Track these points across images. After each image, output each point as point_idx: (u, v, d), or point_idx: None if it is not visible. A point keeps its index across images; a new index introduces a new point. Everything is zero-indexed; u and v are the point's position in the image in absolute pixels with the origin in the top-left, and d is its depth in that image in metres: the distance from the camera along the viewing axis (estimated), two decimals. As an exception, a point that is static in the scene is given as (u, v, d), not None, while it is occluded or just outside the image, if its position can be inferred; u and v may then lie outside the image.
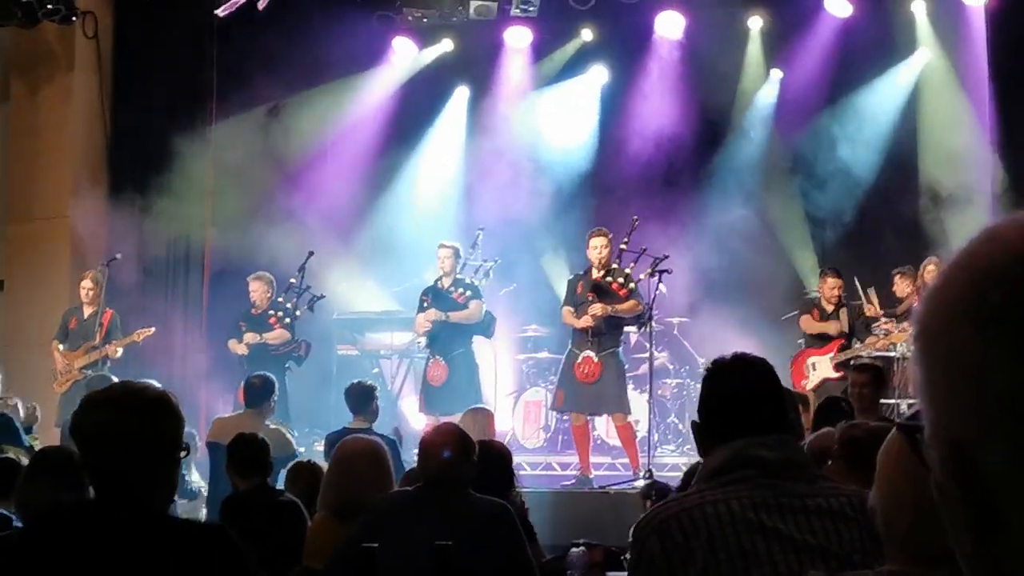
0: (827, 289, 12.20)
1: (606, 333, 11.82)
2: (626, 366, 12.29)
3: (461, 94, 16.13)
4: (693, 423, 3.50)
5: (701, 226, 14.06)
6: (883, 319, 12.40)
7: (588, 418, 12.27)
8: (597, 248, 11.83)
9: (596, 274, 11.85)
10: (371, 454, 6.00)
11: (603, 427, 13.42)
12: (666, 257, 12.07)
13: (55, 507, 3.15)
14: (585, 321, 11.73)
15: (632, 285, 11.80)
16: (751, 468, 3.29)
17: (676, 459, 12.95)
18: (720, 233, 14.11)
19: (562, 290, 12.79)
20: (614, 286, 11.77)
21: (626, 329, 12.40)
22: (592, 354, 11.74)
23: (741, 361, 3.53)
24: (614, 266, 11.87)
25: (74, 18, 13.29)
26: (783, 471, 3.30)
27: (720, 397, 3.45)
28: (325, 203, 15.49)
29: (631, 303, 11.77)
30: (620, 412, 11.82)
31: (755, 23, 14.75)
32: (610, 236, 11.95)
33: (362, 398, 9.94)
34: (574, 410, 12.06)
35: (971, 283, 1.02)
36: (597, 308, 11.66)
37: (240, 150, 14.01)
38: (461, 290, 12.33)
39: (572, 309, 11.93)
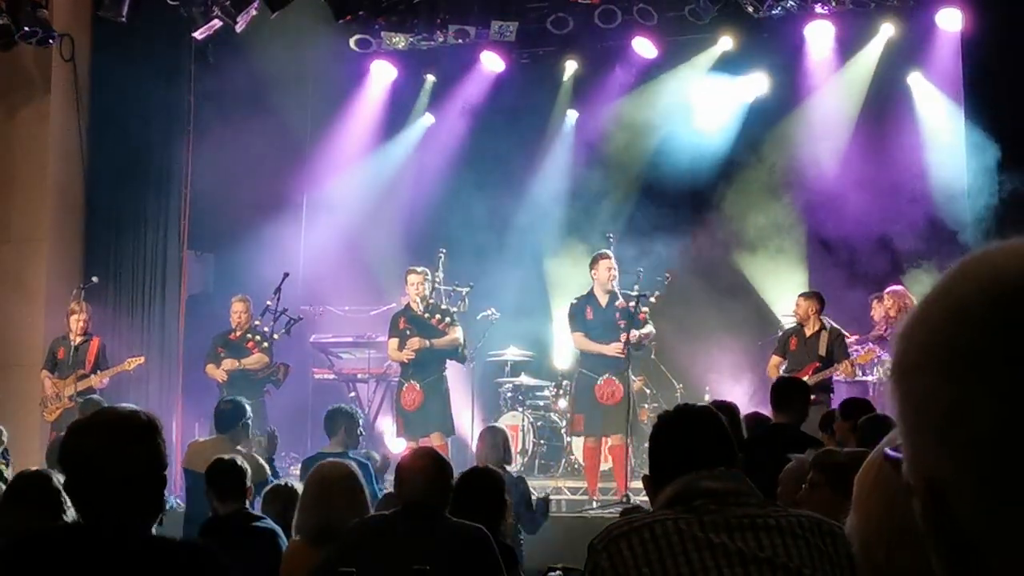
0: (799, 311, 12.23)
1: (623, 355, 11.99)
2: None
3: (427, 119, 16.26)
4: (644, 477, 3.61)
5: (680, 248, 14.08)
6: (860, 346, 12.45)
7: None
8: (611, 269, 11.95)
9: (608, 299, 11.93)
10: (345, 478, 5.99)
11: (579, 450, 13.42)
12: (668, 278, 12.30)
13: (37, 531, 3.15)
14: (615, 348, 11.81)
15: (646, 308, 11.95)
16: (700, 498, 3.40)
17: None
18: (700, 255, 14.13)
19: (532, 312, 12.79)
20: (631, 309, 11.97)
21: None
22: (615, 376, 11.82)
23: (685, 412, 3.71)
24: (619, 289, 12.02)
25: (51, 40, 13.25)
26: (731, 498, 3.41)
27: (667, 446, 3.59)
28: (303, 223, 15.50)
29: (650, 327, 11.99)
30: (623, 432, 11.85)
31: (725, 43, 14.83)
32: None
33: (338, 423, 9.91)
34: (595, 434, 12.11)
35: (943, 322, 1.01)
36: (634, 335, 11.78)
37: (218, 172, 13.97)
38: (439, 316, 12.30)
39: (584, 334, 11.96)
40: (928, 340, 1.03)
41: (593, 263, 12.15)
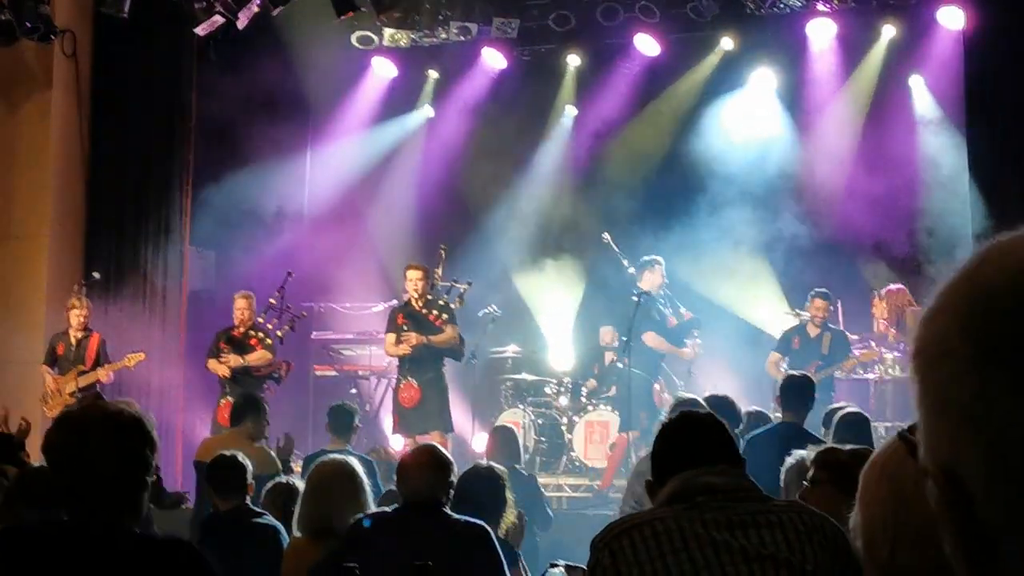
0: (813, 310, 12.25)
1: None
2: None
3: (429, 115, 16.26)
4: (647, 482, 3.62)
5: (680, 246, 14.07)
6: (862, 346, 12.46)
7: None
8: (663, 276, 12.32)
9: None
10: (346, 475, 5.98)
11: (581, 448, 13.44)
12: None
13: (17, 525, 3.13)
14: (688, 352, 12.09)
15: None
16: (702, 494, 3.41)
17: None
18: (700, 253, 14.11)
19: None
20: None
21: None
22: (663, 380, 12.08)
23: (688, 418, 3.75)
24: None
25: (53, 36, 13.23)
26: (733, 494, 3.41)
27: (670, 451, 3.63)
28: (304, 220, 15.49)
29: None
30: None
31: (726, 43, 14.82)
32: None
33: (342, 420, 9.89)
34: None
35: (966, 309, 1.01)
36: (697, 342, 12.35)
37: (219, 168, 13.97)
38: (436, 312, 12.25)
39: (656, 333, 12.07)
40: (951, 327, 1.02)
41: (648, 267, 12.25)
